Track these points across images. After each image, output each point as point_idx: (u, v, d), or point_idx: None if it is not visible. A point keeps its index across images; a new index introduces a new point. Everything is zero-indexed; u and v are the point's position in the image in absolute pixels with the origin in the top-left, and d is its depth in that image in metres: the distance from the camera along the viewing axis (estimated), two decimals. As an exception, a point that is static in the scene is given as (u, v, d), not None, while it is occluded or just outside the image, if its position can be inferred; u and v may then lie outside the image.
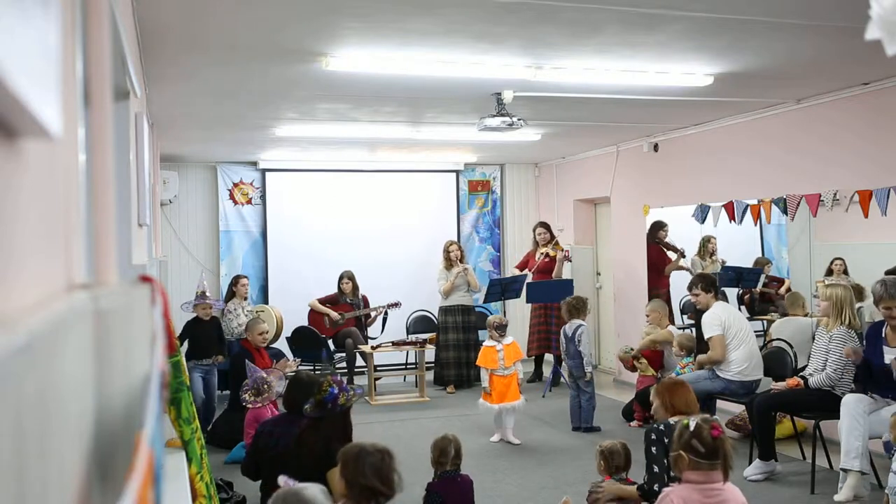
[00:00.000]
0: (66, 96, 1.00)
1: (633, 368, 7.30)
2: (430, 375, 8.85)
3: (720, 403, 6.32)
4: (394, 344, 8.44)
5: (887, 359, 4.87)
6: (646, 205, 8.43)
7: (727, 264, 8.05)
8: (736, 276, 7.89)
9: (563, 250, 8.90)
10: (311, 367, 8.48)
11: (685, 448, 2.97)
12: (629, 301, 8.82)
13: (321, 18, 3.88)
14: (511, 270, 10.13)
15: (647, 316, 7.37)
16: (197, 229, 9.70)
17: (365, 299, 9.17)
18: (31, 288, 0.78)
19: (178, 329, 6.28)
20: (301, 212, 9.81)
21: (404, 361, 9.39)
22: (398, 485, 2.97)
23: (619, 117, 7.18)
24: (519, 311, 9.98)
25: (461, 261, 8.87)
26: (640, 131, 8.14)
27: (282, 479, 2.53)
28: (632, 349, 7.27)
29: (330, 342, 8.80)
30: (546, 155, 10.09)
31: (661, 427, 3.77)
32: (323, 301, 8.99)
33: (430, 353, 8.70)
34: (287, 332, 8.67)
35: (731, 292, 7.74)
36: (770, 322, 7.16)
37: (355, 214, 9.94)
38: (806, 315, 6.54)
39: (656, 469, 3.74)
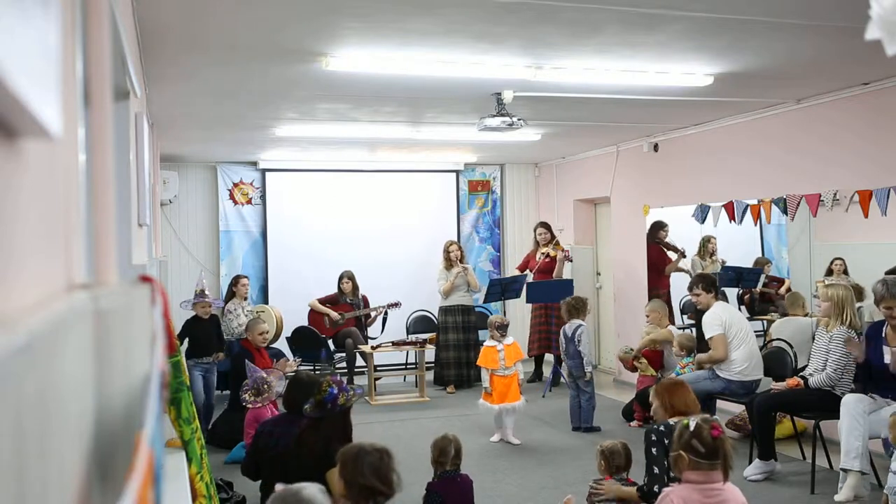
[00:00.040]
0: (66, 96, 1.00)
1: (633, 369, 7.30)
2: (430, 375, 8.85)
3: (720, 403, 6.32)
4: (394, 344, 8.44)
5: (887, 358, 4.87)
6: (646, 205, 8.43)
7: (727, 264, 8.05)
8: (736, 276, 7.89)
9: (563, 250, 8.90)
10: (311, 367, 8.48)
11: (685, 448, 2.97)
12: (629, 301, 8.82)
13: (321, 18, 3.88)
14: (511, 271, 10.14)
15: (647, 316, 7.37)
16: (197, 229, 9.70)
17: (365, 299, 9.17)
18: (31, 288, 0.78)
19: (177, 328, 6.28)
20: (301, 212, 9.81)
21: (404, 361, 9.39)
22: (397, 484, 2.98)
23: (619, 117, 7.18)
24: (519, 312, 9.98)
25: (461, 261, 8.87)
26: (640, 131, 8.14)
27: (279, 487, 2.53)
28: (631, 349, 7.27)
29: (330, 342, 8.80)
30: (546, 155, 10.09)
31: (661, 428, 3.77)
32: (323, 301, 8.99)
33: (430, 353, 8.70)
34: (287, 332, 8.67)
35: (731, 292, 7.74)
36: (770, 322, 7.16)
37: (355, 214, 9.94)
38: (806, 315, 6.54)
39: (656, 470, 3.73)
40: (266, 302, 9.38)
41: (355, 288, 9.09)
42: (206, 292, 7.00)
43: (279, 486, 2.53)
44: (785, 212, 6.42)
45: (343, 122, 7.03)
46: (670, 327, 7.23)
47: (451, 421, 7.11)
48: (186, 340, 6.79)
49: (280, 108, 6.31)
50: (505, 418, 6.45)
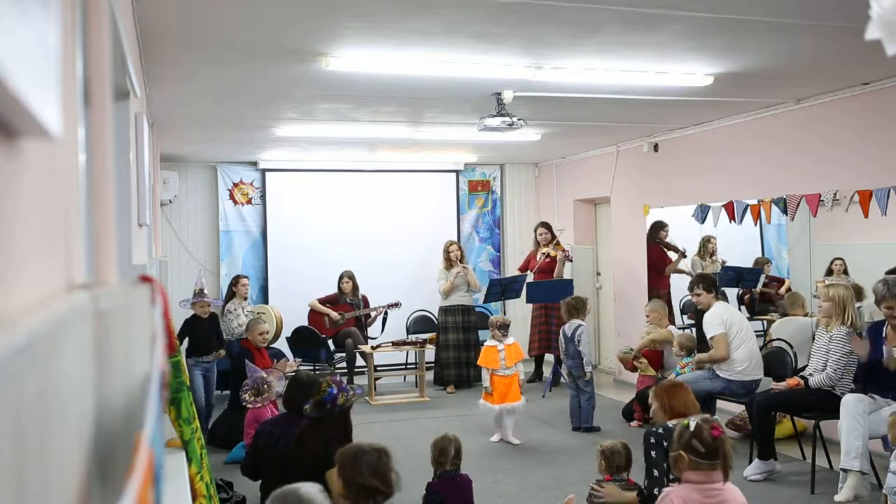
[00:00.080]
0: (66, 96, 1.00)
1: (633, 369, 7.30)
2: (430, 375, 8.85)
3: (720, 403, 6.32)
4: (394, 344, 8.44)
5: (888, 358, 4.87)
6: (646, 205, 8.43)
7: (727, 264, 8.05)
8: (736, 276, 7.89)
9: (563, 250, 8.90)
10: (311, 367, 8.48)
11: (685, 448, 2.97)
12: (629, 301, 8.82)
13: (321, 18, 3.88)
14: (511, 271, 10.14)
15: (647, 316, 7.37)
16: (197, 229, 9.70)
17: (365, 299, 9.17)
18: (31, 288, 0.78)
19: (176, 327, 6.28)
20: (301, 212, 9.81)
21: (404, 361, 9.39)
22: (396, 483, 2.99)
23: (619, 117, 7.18)
24: (519, 312, 9.98)
25: (461, 261, 8.87)
26: (640, 131, 8.14)
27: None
28: (631, 349, 7.27)
29: (330, 342, 8.80)
30: (546, 155, 10.09)
31: (660, 430, 3.77)
32: (323, 301, 8.99)
33: (430, 353, 8.70)
34: (287, 332, 8.66)
35: (731, 292, 7.74)
36: (770, 322, 7.16)
37: (355, 214, 9.94)
38: (806, 315, 6.54)
39: (656, 473, 3.74)
40: (266, 302, 9.38)
41: (355, 288, 9.09)
42: (205, 292, 7.00)
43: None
44: (785, 212, 6.42)
45: (343, 122, 7.03)
46: (670, 327, 7.23)
47: (451, 421, 7.11)
48: (186, 340, 6.79)
49: (280, 108, 6.31)
50: (505, 418, 6.45)
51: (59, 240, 1.00)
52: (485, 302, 8.91)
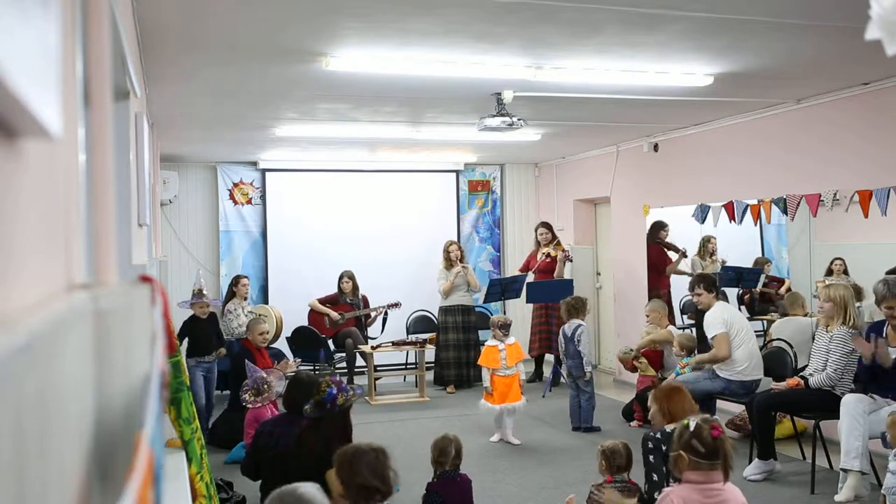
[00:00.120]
0: (66, 96, 1.00)
1: (633, 369, 7.30)
2: (430, 375, 8.85)
3: (720, 403, 6.32)
4: (394, 344, 8.44)
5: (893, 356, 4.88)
6: (646, 205, 8.43)
7: (727, 264, 8.05)
8: (736, 276, 7.89)
9: (563, 250, 8.90)
10: (311, 367, 8.48)
11: (685, 448, 2.97)
12: (629, 301, 8.82)
13: (321, 18, 3.88)
14: (511, 271, 10.14)
15: (647, 316, 7.37)
16: (197, 229, 9.70)
17: (365, 299, 9.17)
18: (31, 288, 0.78)
19: (176, 328, 6.28)
20: (301, 212, 9.81)
21: (404, 361, 9.39)
22: (394, 481, 3.01)
23: (619, 117, 7.18)
24: (519, 312, 9.97)
25: (461, 261, 8.87)
26: (640, 131, 8.14)
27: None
28: (631, 349, 7.27)
29: (330, 342, 8.80)
30: (546, 155, 10.09)
31: (658, 435, 3.78)
32: (323, 301, 8.99)
33: (430, 353, 8.70)
34: (287, 332, 8.66)
35: (731, 292, 7.74)
36: (770, 322, 7.16)
37: (355, 214, 9.94)
38: (806, 315, 6.53)
39: (655, 477, 3.74)
40: (266, 302, 9.38)
41: (355, 288, 9.09)
42: (205, 292, 6.99)
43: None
44: (785, 212, 6.42)
45: (343, 122, 7.03)
46: (670, 327, 7.23)
47: (451, 421, 7.11)
48: (185, 341, 6.79)
49: (280, 108, 6.31)
50: (506, 418, 6.45)
51: (59, 240, 1.00)
52: (485, 302, 8.91)
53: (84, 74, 1.64)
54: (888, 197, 5.50)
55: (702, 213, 7.39)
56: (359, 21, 3.92)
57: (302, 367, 7.63)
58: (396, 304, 9.11)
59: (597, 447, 4.08)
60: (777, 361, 6.08)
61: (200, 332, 6.85)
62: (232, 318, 8.04)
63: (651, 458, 3.77)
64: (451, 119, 7.00)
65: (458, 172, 10.50)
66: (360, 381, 8.67)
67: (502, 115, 5.76)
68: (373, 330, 9.20)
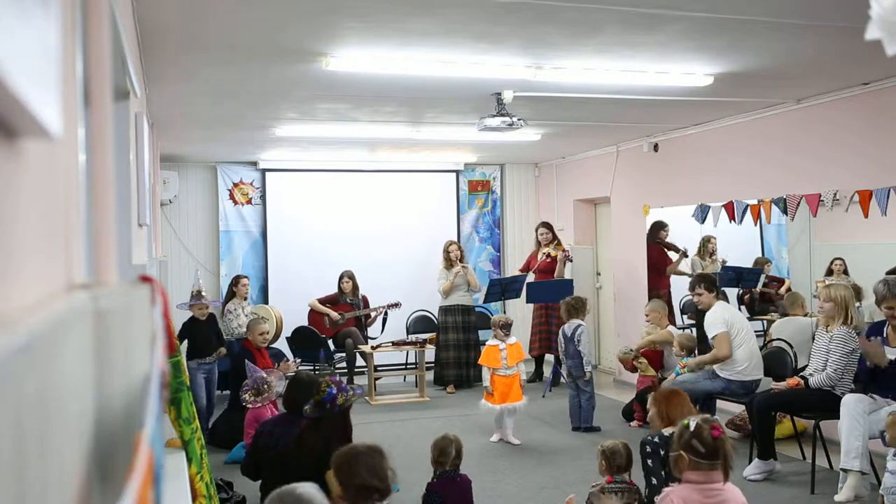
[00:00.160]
0: (66, 96, 1.00)
1: (633, 369, 7.30)
2: (430, 375, 8.85)
3: (720, 403, 6.32)
4: (394, 344, 8.44)
5: (892, 356, 4.88)
6: (646, 205, 8.43)
7: (727, 264, 8.05)
8: (736, 276, 7.89)
9: (564, 251, 8.90)
10: (311, 368, 8.48)
11: (685, 448, 2.97)
12: (629, 301, 8.82)
13: (321, 18, 3.88)
14: (511, 271, 10.14)
15: (647, 316, 7.37)
16: (197, 229, 9.70)
17: (365, 299, 9.17)
18: (31, 288, 0.78)
19: (176, 329, 6.27)
20: (301, 212, 9.81)
21: (404, 361, 9.39)
22: (392, 479, 3.02)
23: (619, 117, 7.18)
24: (520, 312, 9.97)
25: (461, 260, 8.87)
26: (640, 131, 8.14)
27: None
28: (631, 350, 7.26)
29: (330, 342, 8.80)
30: (546, 155, 10.09)
31: (656, 439, 3.78)
32: (323, 301, 8.99)
33: (430, 353, 8.70)
34: (287, 332, 8.67)
35: (731, 292, 7.74)
36: (770, 322, 7.16)
37: (355, 214, 9.94)
38: (806, 315, 6.53)
39: (654, 481, 3.74)
40: (266, 302, 9.38)
41: (355, 288, 9.09)
42: (203, 293, 6.99)
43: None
44: (785, 212, 6.42)
45: (343, 122, 7.03)
46: (670, 327, 7.23)
47: (451, 421, 7.11)
48: (185, 342, 6.78)
49: (280, 108, 6.31)
50: (506, 418, 6.45)
51: (59, 240, 1.00)
52: (485, 302, 8.91)
53: (84, 74, 1.64)
54: (888, 197, 5.50)
55: (702, 213, 7.39)
56: (359, 21, 3.92)
57: (302, 367, 7.63)
58: (396, 304, 9.11)
59: (597, 447, 4.08)
60: (777, 361, 6.08)
61: (200, 334, 6.84)
62: (232, 318, 8.04)
63: (649, 461, 3.77)
64: (451, 119, 7.00)
65: (458, 172, 10.50)
66: (360, 381, 8.67)
67: (502, 115, 5.76)
68: (373, 330, 9.20)
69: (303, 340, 8.61)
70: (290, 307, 8.90)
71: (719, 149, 7.38)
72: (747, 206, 6.82)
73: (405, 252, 10.00)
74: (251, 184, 9.77)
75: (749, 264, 7.87)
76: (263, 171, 9.77)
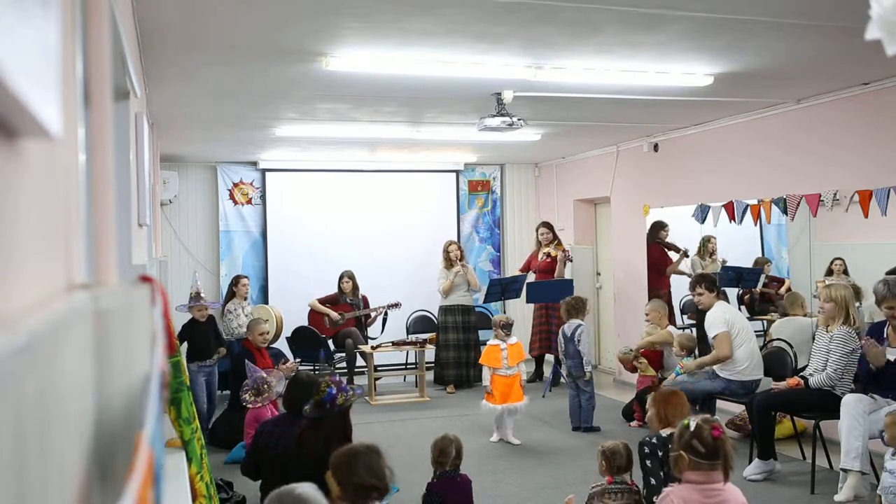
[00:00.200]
0: (66, 96, 1.00)
1: (633, 369, 7.30)
2: (430, 375, 8.85)
3: (720, 403, 6.32)
4: (394, 344, 8.44)
5: (892, 357, 4.87)
6: (646, 205, 8.43)
7: (727, 264, 8.05)
8: (736, 276, 7.89)
9: (564, 251, 8.90)
10: (311, 368, 8.48)
11: (685, 448, 2.97)
12: (629, 301, 8.82)
13: (321, 18, 3.88)
14: (511, 271, 10.14)
15: (647, 316, 7.37)
16: (197, 229, 9.70)
17: (365, 299, 9.17)
18: (31, 288, 0.78)
19: (175, 330, 6.27)
20: (301, 212, 9.81)
21: (404, 361, 9.39)
22: (390, 478, 3.04)
23: (619, 117, 7.18)
24: (520, 311, 9.98)
25: (461, 260, 8.87)
26: (640, 131, 8.14)
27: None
28: (631, 350, 7.27)
29: (330, 342, 8.80)
30: (546, 155, 10.09)
31: (654, 440, 3.79)
32: (323, 301, 8.99)
33: (430, 353, 8.70)
34: (287, 332, 8.67)
35: (731, 292, 7.74)
36: (770, 322, 7.16)
37: (355, 214, 9.94)
38: (806, 315, 6.53)
39: (653, 482, 3.74)
40: (266, 302, 9.38)
41: (355, 288, 9.09)
42: (202, 295, 6.98)
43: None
44: (785, 212, 6.42)
45: (343, 122, 7.03)
46: (670, 328, 7.23)
47: (451, 421, 7.11)
48: (185, 344, 6.77)
49: (280, 108, 6.31)
50: (506, 418, 6.45)
51: (59, 240, 1.00)
52: (485, 302, 8.91)
53: (84, 74, 1.64)
54: (888, 197, 5.50)
55: (702, 213, 7.39)
56: (359, 21, 3.92)
57: (302, 367, 7.63)
58: (396, 304, 9.11)
59: (597, 447, 4.08)
60: (777, 361, 6.08)
61: (200, 336, 6.84)
62: (232, 319, 8.04)
63: (648, 462, 3.77)
64: (451, 119, 7.00)
65: (458, 172, 10.50)
66: (360, 381, 8.67)
67: (502, 115, 5.76)
68: (373, 330, 9.20)
69: (303, 340, 8.61)
70: (290, 307, 8.90)
71: (719, 149, 7.38)
72: (747, 206, 6.82)
73: (405, 252, 10.00)
74: (251, 184, 9.77)
75: (749, 264, 7.87)
76: (263, 171, 9.77)
